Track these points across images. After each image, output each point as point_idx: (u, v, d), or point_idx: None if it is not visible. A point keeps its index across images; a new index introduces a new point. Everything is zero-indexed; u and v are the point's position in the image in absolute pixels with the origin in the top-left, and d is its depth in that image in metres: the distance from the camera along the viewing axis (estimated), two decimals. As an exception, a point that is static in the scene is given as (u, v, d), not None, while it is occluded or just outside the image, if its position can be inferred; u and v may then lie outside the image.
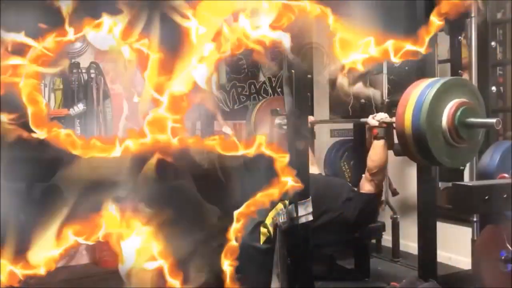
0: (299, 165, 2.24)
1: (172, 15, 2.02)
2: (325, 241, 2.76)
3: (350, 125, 3.65)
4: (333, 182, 3.04)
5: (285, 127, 3.52)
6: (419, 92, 2.11)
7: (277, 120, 3.53)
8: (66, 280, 3.52)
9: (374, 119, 2.72)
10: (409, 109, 2.10)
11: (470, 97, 2.15)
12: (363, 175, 2.78)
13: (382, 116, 2.71)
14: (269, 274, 2.29)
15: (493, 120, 2.05)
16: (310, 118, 3.33)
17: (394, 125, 2.49)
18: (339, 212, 2.67)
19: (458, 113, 2.06)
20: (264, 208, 2.50)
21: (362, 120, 2.90)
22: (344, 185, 2.98)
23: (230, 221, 2.09)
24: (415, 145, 2.10)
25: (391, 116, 3.46)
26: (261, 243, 2.39)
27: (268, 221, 2.42)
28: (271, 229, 2.40)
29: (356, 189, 2.87)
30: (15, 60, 1.89)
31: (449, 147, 2.10)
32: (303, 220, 2.19)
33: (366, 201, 2.72)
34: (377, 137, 2.70)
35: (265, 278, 2.30)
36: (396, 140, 2.63)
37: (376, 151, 2.68)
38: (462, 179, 2.87)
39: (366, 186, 2.73)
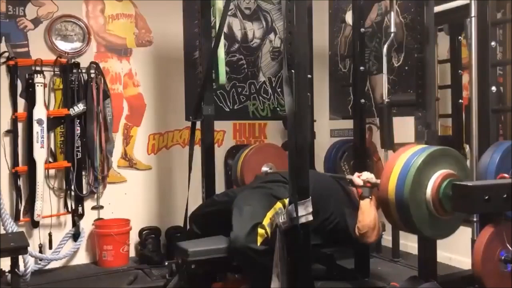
0: (299, 165, 2.24)
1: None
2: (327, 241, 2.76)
3: (350, 125, 3.65)
4: (336, 183, 3.01)
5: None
6: (404, 161, 2.09)
7: (264, 168, 3.54)
8: (66, 280, 3.52)
9: (359, 178, 2.65)
10: (393, 178, 2.09)
11: (456, 167, 2.13)
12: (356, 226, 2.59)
13: (368, 175, 2.63)
14: (268, 275, 2.29)
15: None
16: None
17: (378, 186, 2.38)
18: (333, 218, 2.65)
19: (443, 185, 2.04)
20: (261, 209, 2.50)
21: (348, 177, 2.82)
22: (345, 189, 2.94)
23: None
24: (398, 214, 2.09)
25: (389, 115, 3.47)
26: (258, 244, 2.38)
27: (266, 222, 2.42)
28: (268, 230, 2.40)
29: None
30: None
31: (432, 218, 2.08)
32: (303, 220, 2.18)
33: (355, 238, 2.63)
34: (362, 197, 2.60)
35: (264, 279, 2.30)
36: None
37: (363, 211, 2.55)
38: (462, 179, 2.87)
39: (356, 238, 2.58)
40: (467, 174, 2.20)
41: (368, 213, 2.53)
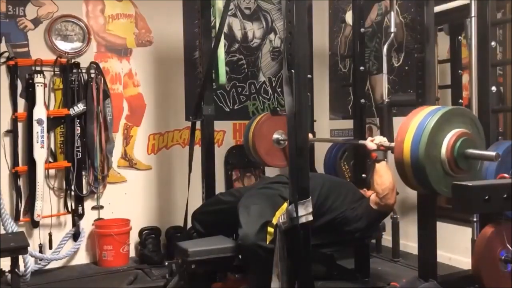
0: (300, 165, 2.24)
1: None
2: (327, 241, 2.76)
3: (350, 125, 3.65)
4: (339, 182, 3.03)
5: (282, 142, 3.55)
6: (419, 121, 2.10)
7: (275, 135, 3.54)
8: (66, 280, 3.52)
9: (372, 142, 2.69)
10: (408, 138, 2.10)
11: (470, 127, 2.15)
12: (373, 194, 2.66)
13: (381, 139, 2.68)
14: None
15: (493, 153, 2.05)
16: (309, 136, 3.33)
17: (392, 149, 2.43)
18: (341, 211, 2.66)
19: (458, 144, 2.07)
20: (268, 208, 2.51)
21: (361, 142, 2.87)
22: (350, 186, 2.96)
23: None
24: (413, 174, 2.10)
25: (389, 115, 3.47)
26: (267, 242, 2.39)
27: (275, 220, 2.42)
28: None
29: (362, 191, 2.85)
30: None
31: (447, 177, 2.10)
32: (303, 220, 2.19)
33: (373, 217, 2.66)
34: (377, 160, 2.65)
35: (268, 278, 2.30)
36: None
37: (380, 173, 2.61)
38: (462, 179, 2.87)
39: (376, 206, 2.63)
40: (480, 134, 2.22)
41: (386, 175, 2.59)
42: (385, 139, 2.69)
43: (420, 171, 2.07)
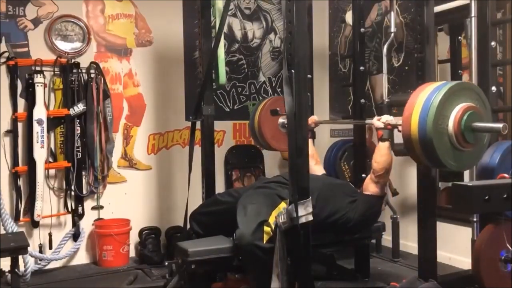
0: (299, 165, 2.24)
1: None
2: (327, 241, 2.76)
3: (350, 125, 3.66)
4: (338, 183, 3.03)
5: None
6: (426, 96, 2.10)
7: (281, 120, 3.54)
8: (66, 280, 3.52)
9: (379, 121, 2.71)
10: (416, 112, 2.10)
11: (476, 101, 2.16)
12: (368, 177, 2.75)
13: (388, 118, 2.70)
14: (270, 273, 2.29)
15: (500, 125, 2.05)
16: (314, 118, 3.33)
17: (399, 127, 2.48)
18: (343, 213, 2.67)
19: (465, 117, 2.07)
20: (266, 207, 2.51)
21: (368, 121, 2.89)
22: (347, 185, 2.97)
23: None
24: (421, 148, 2.10)
25: (389, 115, 3.47)
26: (264, 242, 2.39)
27: (271, 220, 2.42)
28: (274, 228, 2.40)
29: (359, 190, 2.86)
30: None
31: (454, 150, 2.11)
32: (303, 220, 2.19)
33: (371, 203, 2.70)
34: (382, 139, 2.69)
35: (266, 277, 2.30)
36: (395, 141, 2.64)
37: (382, 152, 2.67)
38: (462, 179, 2.87)
39: (371, 188, 2.70)
40: (486, 108, 2.22)
41: (386, 155, 2.66)
42: (392, 117, 2.71)
43: (428, 145, 2.07)
